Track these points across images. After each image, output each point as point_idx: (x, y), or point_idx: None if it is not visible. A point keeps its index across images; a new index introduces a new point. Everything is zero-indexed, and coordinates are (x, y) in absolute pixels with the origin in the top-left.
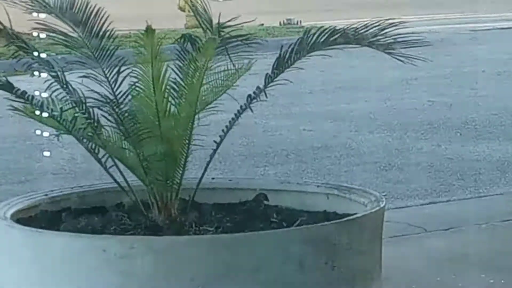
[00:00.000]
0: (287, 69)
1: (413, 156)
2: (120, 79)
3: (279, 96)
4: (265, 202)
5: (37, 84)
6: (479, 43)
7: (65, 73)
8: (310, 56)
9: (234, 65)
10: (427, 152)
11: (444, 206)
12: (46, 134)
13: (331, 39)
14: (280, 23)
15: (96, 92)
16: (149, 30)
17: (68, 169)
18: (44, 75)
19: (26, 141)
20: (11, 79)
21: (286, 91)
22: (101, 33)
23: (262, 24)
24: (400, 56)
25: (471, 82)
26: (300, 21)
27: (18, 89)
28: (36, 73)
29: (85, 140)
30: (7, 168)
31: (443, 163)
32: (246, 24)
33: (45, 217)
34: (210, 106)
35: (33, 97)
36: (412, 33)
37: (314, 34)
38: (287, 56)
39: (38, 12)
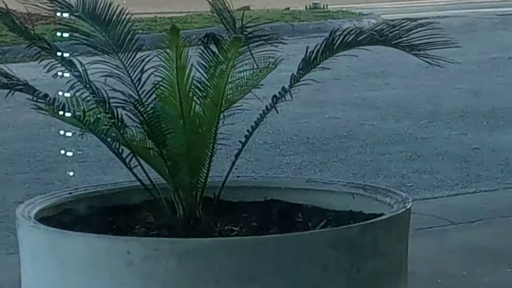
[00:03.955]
0: (313, 69)
1: (440, 145)
2: (144, 77)
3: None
4: (291, 201)
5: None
6: (506, 29)
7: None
8: (337, 56)
9: (257, 65)
10: (454, 141)
11: (471, 197)
12: (69, 134)
13: (357, 39)
14: (306, 7)
15: (119, 91)
16: (173, 30)
17: (93, 157)
18: (67, 74)
19: (51, 127)
20: (33, 64)
21: (313, 78)
22: (123, 33)
23: (288, 8)
24: (426, 57)
25: (498, 69)
26: (326, 5)
27: (40, 92)
28: (59, 73)
29: (109, 140)
30: (33, 155)
31: (470, 152)
32: (272, 8)
33: (68, 216)
34: (235, 105)
35: (55, 99)
36: (428, 20)
37: (340, 35)
38: (313, 56)
39: (61, 12)
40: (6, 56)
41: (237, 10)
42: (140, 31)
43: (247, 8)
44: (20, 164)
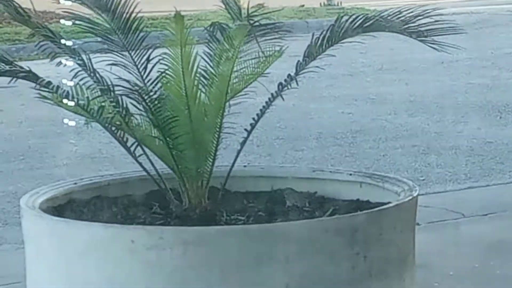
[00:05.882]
0: (319, 56)
1: (452, 139)
2: (149, 66)
3: (319, 78)
4: (298, 190)
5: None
6: None
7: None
8: (342, 43)
9: (263, 53)
10: (467, 135)
11: (483, 190)
12: (72, 123)
13: (363, 26)
14: (320, 4)
15: (124, 79)
16: (177, 17)
17: (105, 153)
18: (71, 63)
19: (63, 123)
20: (46, 61)
21: (326, 74)
22: (130, 20)
23: (303, 5)
24: (433, 43)
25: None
26: (341, 2)
27: (43, 79)
28: (63, 61)
29: (113, 128)
30: (44, 151)
31: (483, 146)
32: (286, 6)
33: (74, 206)
34: (240, 94)
35: (58, 86)
36: (443, 17)
37: (346, 21)
38: (318, 43)
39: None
40: (21, 54)
41: (252, 7)
42: (153, 28)
43: (262, 5)
44: (32, 160)
